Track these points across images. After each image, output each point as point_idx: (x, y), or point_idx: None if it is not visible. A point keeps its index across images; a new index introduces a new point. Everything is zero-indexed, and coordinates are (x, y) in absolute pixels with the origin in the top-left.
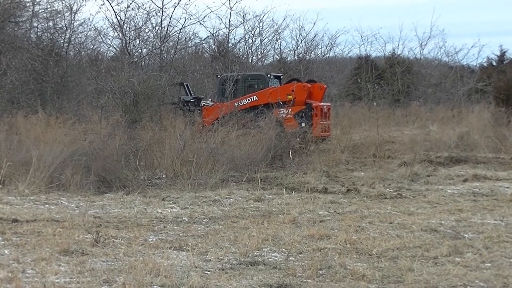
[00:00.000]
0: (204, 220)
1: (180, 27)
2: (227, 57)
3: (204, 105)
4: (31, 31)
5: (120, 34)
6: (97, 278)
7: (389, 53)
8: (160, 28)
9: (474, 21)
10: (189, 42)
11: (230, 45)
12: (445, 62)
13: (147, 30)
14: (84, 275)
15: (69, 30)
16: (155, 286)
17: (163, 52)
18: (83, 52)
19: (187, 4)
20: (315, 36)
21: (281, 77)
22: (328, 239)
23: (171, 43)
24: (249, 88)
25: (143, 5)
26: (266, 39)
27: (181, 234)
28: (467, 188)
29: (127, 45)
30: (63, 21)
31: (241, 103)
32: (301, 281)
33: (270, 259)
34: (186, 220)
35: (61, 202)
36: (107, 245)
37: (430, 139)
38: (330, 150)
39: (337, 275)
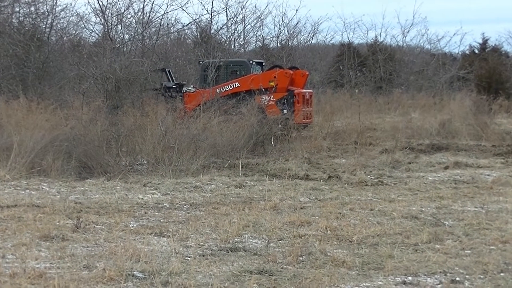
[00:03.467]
0: (185, 206)
1: (163, 13)
2: (210, 43)
3: (186, 91)
4: (13, 16)
5: (102, 20)
6: (78, 264)
7: (372, 40)
8: (142, 14)
9: (457, 8)
10: (171, 28)
11: (212, 31)
12: (427, 49)
13: (129, 16)
14: (64, 260)
15: (51, 16)
16: (136, 272)
17: (145, 38)
18: (65, 38)
19: None
20: (297, 23)
21: (264, 64)
22: (308, 225)
23: (153, 29)
24: (231, 74)
25: None
26: (249, 26)
27: (162, 220)
28: (448, 175)
29: (109, 31)
30: (45, 6)
31: (223, 90)
32: (282, 267)
33: (250, 246)
34: (167, 206)
35: (42, 188)
36: (87, 231)
37: (411, 127)
38: (312, 137)
39: (318, 261)
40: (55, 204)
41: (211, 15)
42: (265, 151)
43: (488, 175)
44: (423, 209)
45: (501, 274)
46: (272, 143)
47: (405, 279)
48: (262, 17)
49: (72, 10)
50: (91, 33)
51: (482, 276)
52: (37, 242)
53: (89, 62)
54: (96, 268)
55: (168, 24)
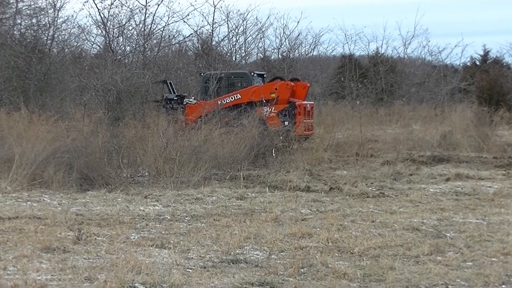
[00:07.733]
0: (186, 218)
1: (164, 25)
2: (211, 55)
3: (187, 103)
4: (15, 28)
5: (104, 32)
6: (79, 276)
7: (373, 52)
8: (143, 25)
9: (458, 20)
10: (172, 40)
11: (213, 43)
12: (428, 61)
13: (130, 28)
14: (65, 272)
15: (52, 27)
16: (137, 284)
17: (147, 49)
18: (66, 49)
19: (170, 2)
20: (298, 34)
21: (265, 76)
22: (310, 237)
23: (154, 41)
24: (232, 86)
25: (126, 2)
26: (250, 37)
27: (163, 232)
28: (450, 187)
29: (111, 43)
30: (47, 18)
31: (224, 101)
32: (283, 279)
33: (252, 257)
34: (169, 218)
35: (43, 199)
36: (89, 243)
37: (413, 138)
38: (313, 148)
39: (319, 273)
40: (56, 216)
41: (212, 27)
42: (266, 163)
43: (489, 187)
44: (425, 221)
45: (503, 286)
46: (273, 154)
47: None
48: (263, 29)
49: (74, 22)
50: (92, 45)
51: None
52: (38, 254)
53: (90, 74)
54: (97, 280)
55: (169, 36)
